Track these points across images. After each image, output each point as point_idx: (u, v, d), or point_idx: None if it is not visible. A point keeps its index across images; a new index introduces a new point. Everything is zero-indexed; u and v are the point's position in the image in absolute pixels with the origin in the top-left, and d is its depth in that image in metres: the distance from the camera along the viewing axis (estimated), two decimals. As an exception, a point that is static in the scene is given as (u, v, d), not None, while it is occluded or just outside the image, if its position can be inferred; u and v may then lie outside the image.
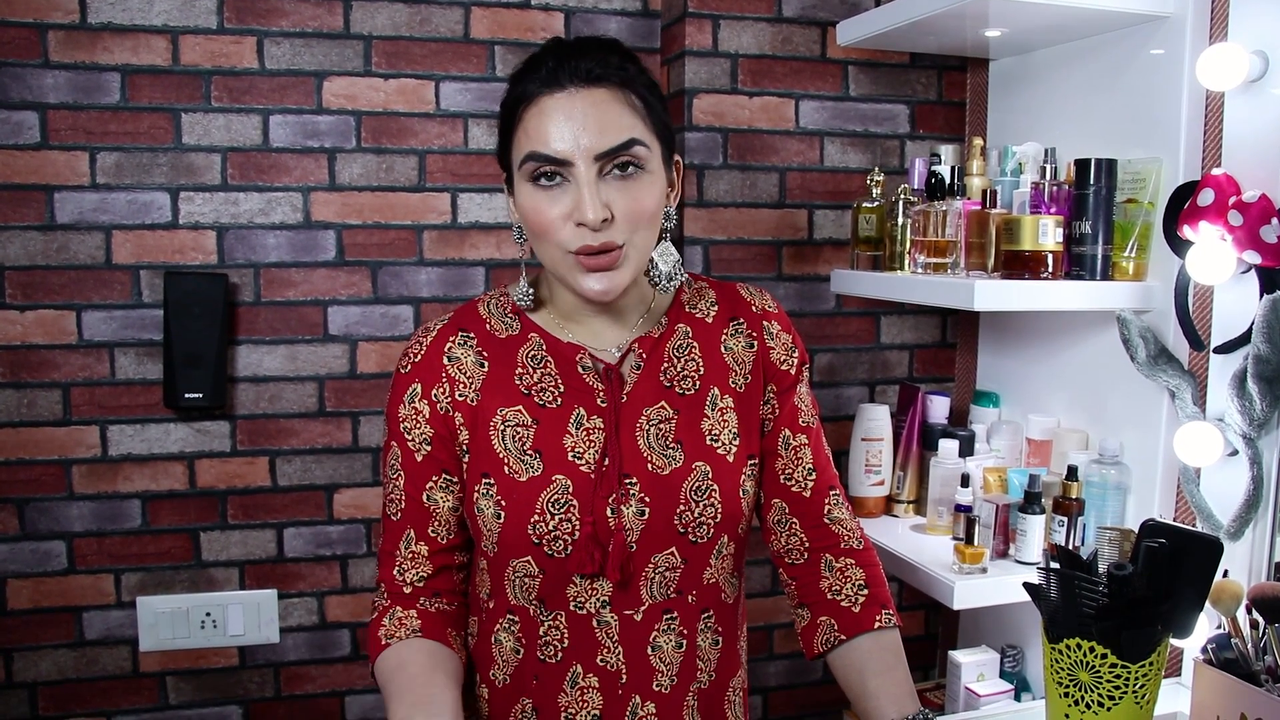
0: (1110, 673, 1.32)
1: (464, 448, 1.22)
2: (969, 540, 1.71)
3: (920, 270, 1.81)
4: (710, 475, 1.23)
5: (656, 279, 1.23)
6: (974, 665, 1.88)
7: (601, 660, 1.22)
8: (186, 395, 1.93)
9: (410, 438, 1.23)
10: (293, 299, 2.03)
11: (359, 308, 2.06)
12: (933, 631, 2.32)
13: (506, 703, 1.25)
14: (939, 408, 2.03)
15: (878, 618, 1.29)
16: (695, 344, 1.29)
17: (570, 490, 1.19)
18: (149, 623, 2.01)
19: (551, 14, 2.09)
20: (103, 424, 1.97)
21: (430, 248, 2.08)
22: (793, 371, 1.33)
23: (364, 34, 2.01)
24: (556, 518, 1.18)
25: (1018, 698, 1.87)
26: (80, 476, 1.97)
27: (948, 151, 1.94)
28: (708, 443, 1.25)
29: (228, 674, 2.07)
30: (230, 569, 2.05)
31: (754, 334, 1.32)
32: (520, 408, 1.22)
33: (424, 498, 1.24)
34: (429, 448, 1.23)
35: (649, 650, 1.23)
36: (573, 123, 1.12)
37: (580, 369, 1.23)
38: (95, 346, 1.96)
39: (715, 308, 1.32)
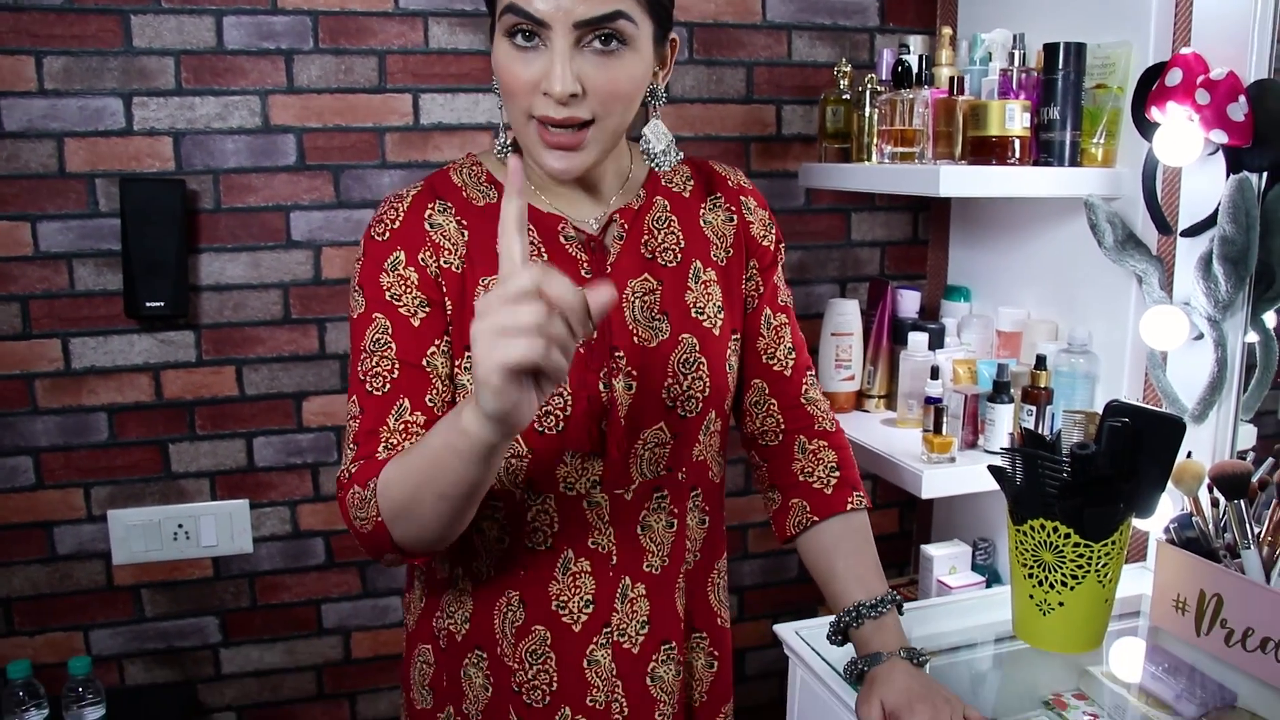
0: (1073, 552, 1.33)
1: (448, 318, 1.16)
2: (937, 430, 1.71)
3: (887, 160, 1.79)
4: (698, 348, 1.20)
5: (650, 156, 1.21)
6: (945, 559, 1.89)
7: (593, 543, 1.19)
8: (148, 304, 1.90)
9: (402, 303, 1.14)
10: (254, 205, 1.99)
11: (321, 213, 2.02)
12: (906, 528, 2.35)
13: (491, 596, 1.21)
14: (909, 303, 2.02)
15: (849, 499, 1.29)
16: (674, 217, 1.25)
17: None
18: (120, 536, 2.01)
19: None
20: (64, 337, 1.94)
21: (393, 150, 2.03)
22: (771, 248, 1.31)
23: (316, -72, 1.95)
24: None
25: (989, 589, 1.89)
26: (44, 391, 1.95)
27: (916, 43, 1.91)
28: (693, 315, 1.22)
29: (203, 585, 2.07)
30: (201, 480, 2.04)
31: (732, 208, 1.29)
32: None
33: (424, 363, 1.13)
34: (427, 310, 1.14)
35: (639, 530, 1.21)
36: None
37: (563, 239, 1.18)
38: (53, 258, 1.92)
39: (691, 183, 1.28)
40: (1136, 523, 1.48)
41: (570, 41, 1.05)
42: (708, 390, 1.21)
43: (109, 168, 1.91)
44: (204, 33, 1.92)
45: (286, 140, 1.98)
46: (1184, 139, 1.50)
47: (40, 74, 1.87)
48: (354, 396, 1.14)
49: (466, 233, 1.17)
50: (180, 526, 2.03)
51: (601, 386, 1.16)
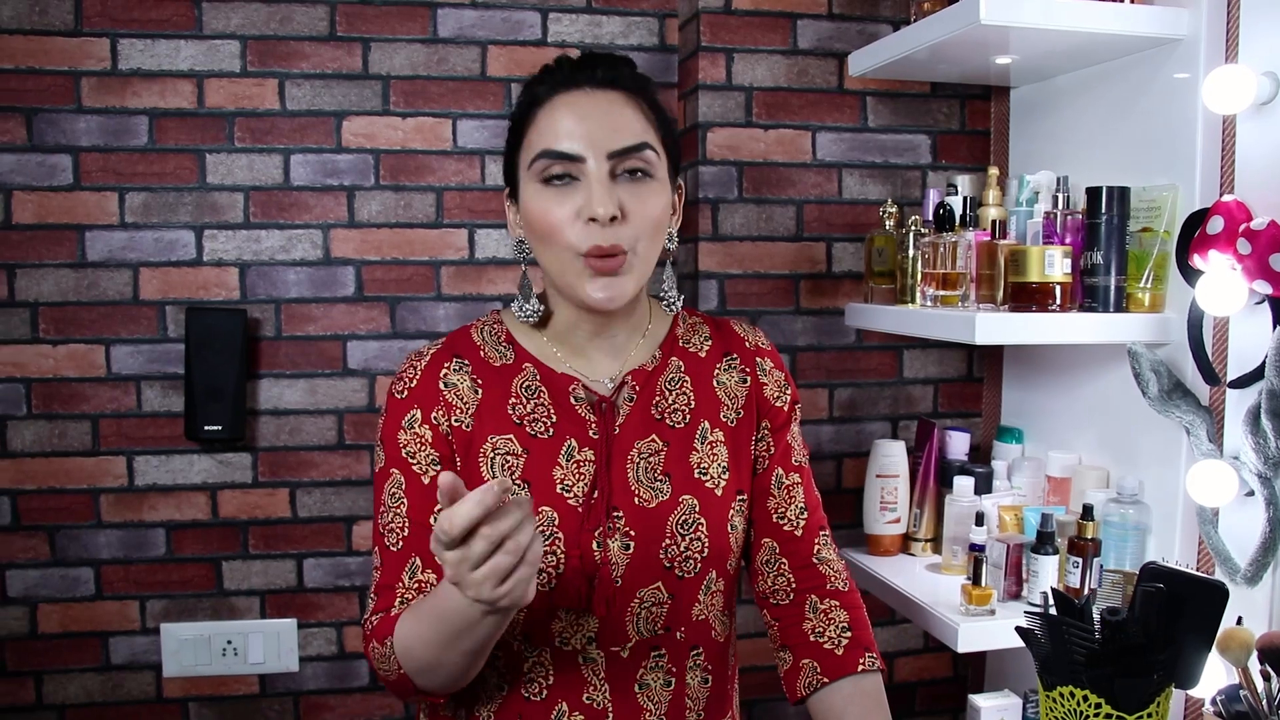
0: (1104, 723, 1.26)
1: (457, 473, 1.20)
2: (976, 581, 1.65)
3: (929, 303, 1.77)
4: (698, 509, 1.22)
5: (669, 305, 1.27)
6: (994, 710, 1.80)
7: (588, 699, 1.20)
8: (206, 428, 1.98)
9: (415, 461, 1.19)
10: (313, 334, 2.06)
11: (377, 342, 2.08)
12: (961, 674, 2.25)
13: None
14: (959, 444, 1.97)
15: (860, 660, 1.26)
16: (687, 378, 1.28)
17: (555, 523, 1.17)
18: (172, 649, 2.05)
19: (568, 51, 2.10)
20: (129, 455, 2.03)
21: (448, 283, 2.10)
22: (785, 409, 1.33)
23: (382, 74, 2.05)
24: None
25: (1039, 746, 1.80)
26: (108, 505, 2.03)
27: (964, 181, 1.90)
28: (696, 476, 1.23)
29: (248, 701, 2.09)
30: (251, 598, 2.08)
31: (747, 370, 1.31)
32: (511, 436, 1.20)
33: (432, 520, 1.16)
34: (438, 467, 1.19)
35: (636, 688, 1.21)
36: (587, 120, 1.13)
37: (573, 400, 1.22)
38: (123, 380, 2.01)
39: (709, 343, 1.31)
40: (1185, 690, 1.40)
41: (605, 170, 1.12)
42: (706, 551, 1.21)
43: (179, 295, 2.02)
44: (273, 170, 2.03)
45: (346, 272, 2.06)
46: (1227, 289, 1.45)
47: (122, 208, 1.99)
48: (376, 548, 1.22)
49: (480, 390, 1.22)
50: (229, 643, 2.07)
51: (595, 546, 1.17)
